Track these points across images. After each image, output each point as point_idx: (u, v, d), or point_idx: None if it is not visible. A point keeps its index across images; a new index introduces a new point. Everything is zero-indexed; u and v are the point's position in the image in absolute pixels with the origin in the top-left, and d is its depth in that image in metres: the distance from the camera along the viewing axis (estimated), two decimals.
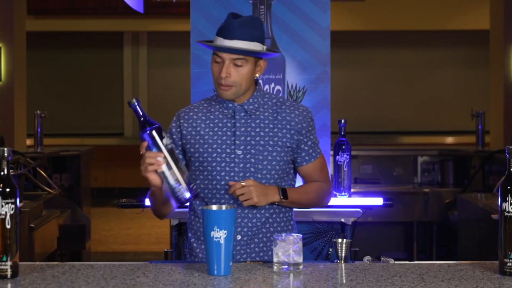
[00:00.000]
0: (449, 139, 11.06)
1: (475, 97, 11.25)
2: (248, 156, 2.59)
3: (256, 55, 2.60)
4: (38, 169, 5.54)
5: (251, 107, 2.63)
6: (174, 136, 2.66)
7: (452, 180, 6.30)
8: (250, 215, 2.60)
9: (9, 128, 7.03)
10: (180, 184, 2.35)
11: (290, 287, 2.06)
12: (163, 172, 2.37)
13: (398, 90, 11.80)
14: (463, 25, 10.92)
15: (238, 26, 2.56)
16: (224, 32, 2.56)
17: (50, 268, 2.22)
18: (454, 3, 10.82)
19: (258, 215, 2.61)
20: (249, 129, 2.62)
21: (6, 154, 2.08)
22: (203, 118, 2.65)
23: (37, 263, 2.30)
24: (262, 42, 2.60)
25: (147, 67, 11.98)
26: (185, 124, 2.65)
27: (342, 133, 3.55)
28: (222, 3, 3.66)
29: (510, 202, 2.09)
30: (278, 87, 3.64)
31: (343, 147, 3.54)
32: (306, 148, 2.67)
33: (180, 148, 2.66)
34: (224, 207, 2.25)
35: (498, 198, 2.12)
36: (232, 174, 2.58)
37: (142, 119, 2.37)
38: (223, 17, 3.65)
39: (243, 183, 2.51)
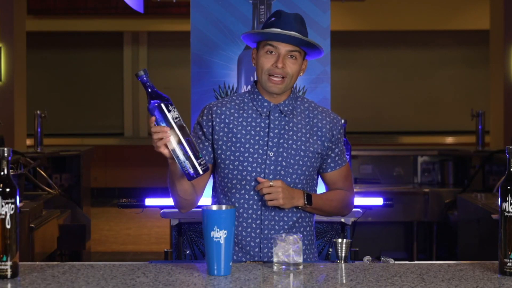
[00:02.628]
0: (449, 139, 11.07)
1: (475, 97, 11.25)
2: (280, 159, 2.57)
3: (310, 52, 2.60)
4: (38, 169, 5.54)
5: (286, 108, 2.61)
6: (205, 130, 2.60)
7: (452, 180, 6.30)
8: (277, 218, 2.59)
9: (9, 128, 7.04)
10: (188, 159, 2.28)
11: (290, 287, 2.06)
12: (172, 147, 2.29)
13: (398, 90, 11.80)
14: (463, 25, 10.93)
15: (294, 20, 2.56)
16: (281, 24, 2.54)
17: (50, 268, 2.22)
18: (454, 3, 10.82)
19: (285, 219, 2.60)
20: (282, 131, 2.59)
21: (6, 154, 2.08)
22: (236, 115, 2.61)
23: (37, 263, 2.30)
24: None
25: (147, 67, 11.98)
26: (218, 119, 2.60)
27: None
28: (222, 3, 3.66)
29: (510, 202, 2.09)
30: None
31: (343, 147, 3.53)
32: (333, 155, 2.66)
33: (210, 142, 2.61)
34: (224, 207, 2.25)
35: (498, 198, 2.12)
36: (262, 175, 2.55)
37: (149, 91, 2.32)
38: (223, 17, 3.66)
39: (272, 183, 2.49)
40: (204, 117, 2.63)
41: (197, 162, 2.28)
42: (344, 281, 2.09)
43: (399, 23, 10.96)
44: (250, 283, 2.06)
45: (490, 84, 7.80)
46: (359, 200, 3.55)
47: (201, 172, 2.28)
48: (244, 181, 2.57)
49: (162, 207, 3.49)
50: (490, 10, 7.86)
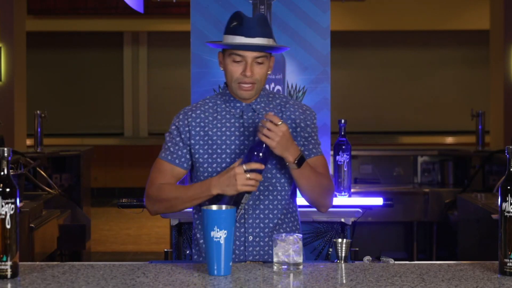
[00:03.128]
0: (449, 139, 11.07)
1: (475, 97, 11.25)
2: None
3: (276, 52, 2.61)
4: (38, 169, 5.54)
5: (258, 106, 2.63)
6: (183, 136, 2.61)
7: (452, 180, 6.30)
8: (262, 216, 2.59)
9: (9, 128, 7.03)
10: (243, 207, 2.51)
11: (290, 287, 2.06)
12: (244, 193, 2.46)
13: (398, 90, 11.81)
14: (463, 25, 10.93)
15: (257, 24, 2.56)
16: (244, 30, 2.54)
17: (50, 268, 2.22)
18: (454, 3, 10.82)
19: (271, 216, 2.60)
20: (257, 129, 2.59)
21: (6, 154, 2.08)
22: (210, 118, 2.63)
23: (37, 263, 2.30)
24: (274, 39, 2.62)
25: (147, 67, 11.98)
26: (193, 123, 2.62)
27: (342, 133, 3.55)
28: (222, 3, 3.66)
29: (510, 202, 2.09)
30: (278, 87, 3.64)
31: (343, 147, 3.53)
32: (306, 143, 2.66)
33: (188, 147, 2.62)
34: (224, 207, 2.25)
35: (498, 198, 2.12)
36: None
37: (264, 145, 2.44)
38: (223, 17, 3.66)
39: (280, 123, 2.42)
40: (181, 123, 2.64)
41: (239, 215, 2.55)
42: (344, 281, 2.10)
43: (399, 23, 10.96)
44: (250, 283, 2.06)
45: (490, 84, 7.79)
46: (359, 200, 3.55)
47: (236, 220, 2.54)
48: None
49: None
50: (490, 10, 7.85)
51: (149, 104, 11.90)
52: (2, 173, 2.07)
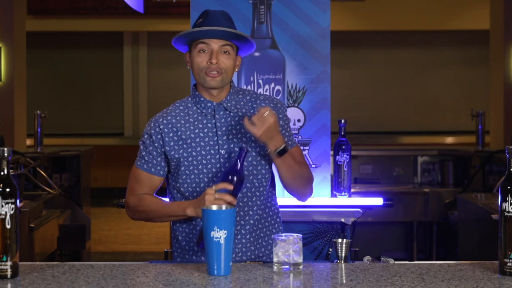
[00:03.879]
0: (449, 139, 11.07)
1: (475, 97, 11.25)
2: (233, 155, 2.59)
3: (243, 45, 2.63)
4: (38, 169, 5.54)
5: (229, 104, 2.63)
6: (156, 144, 2.62)
7: (452, 180, 6.30)
8: (242, 213, 2.60)
9: (9, 128, 7.03)
10: None
11: (290, 287, 2.06)
12: None
13: (398, 90, 11.80)
14: (463, 25, 10.93)
15: (222, 17, 2.60)
16: (209, 22, 2.57)
17: (50, 268, 2.22)
18: (454, 3, 10.82)
19: (250, 212, 2.61)
20: (230, 127, 2.61)
21: (6, 154, 2.08)
22: (182, 121, 2.63)
23: (37, 263, 2.30)
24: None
25: (147, 67, 11.98)
26: (166, 130, 2.62)
27: (342, 133, 3.55)
28: (222, 3, 3.66)
29: (510, 202, 2.09)
30: (278, 87, 3.64)
31: (343, 147, 3.53)
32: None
33: (163, 156, 2.62)
34: (224, 207, 2.25)
35: (498, 198, 2.12)
36: (219, 174, 2.57)
37: (238, 168, 2.46)
38: None
39: (266, 114, 2.46)
40: (153, 131, 2.64)
41: None
42: (344, 281, 2.10)
43: (399, 23, 10.96)
44: (250, 283, 2.06)
45: (490, 84, 7.79)
46: (359, 200, 3.55)
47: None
48: (202, 184, 2.59)
49: None
50: (490, 10, 7.85)
51: (149, 104, 11.89)
52: (2, 173, 2.07)
